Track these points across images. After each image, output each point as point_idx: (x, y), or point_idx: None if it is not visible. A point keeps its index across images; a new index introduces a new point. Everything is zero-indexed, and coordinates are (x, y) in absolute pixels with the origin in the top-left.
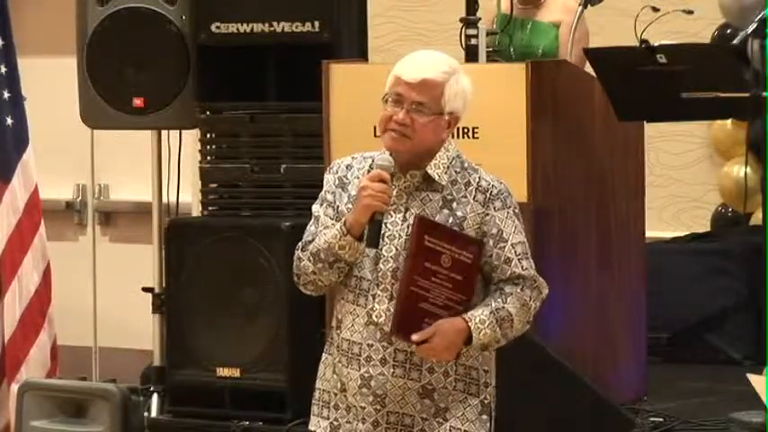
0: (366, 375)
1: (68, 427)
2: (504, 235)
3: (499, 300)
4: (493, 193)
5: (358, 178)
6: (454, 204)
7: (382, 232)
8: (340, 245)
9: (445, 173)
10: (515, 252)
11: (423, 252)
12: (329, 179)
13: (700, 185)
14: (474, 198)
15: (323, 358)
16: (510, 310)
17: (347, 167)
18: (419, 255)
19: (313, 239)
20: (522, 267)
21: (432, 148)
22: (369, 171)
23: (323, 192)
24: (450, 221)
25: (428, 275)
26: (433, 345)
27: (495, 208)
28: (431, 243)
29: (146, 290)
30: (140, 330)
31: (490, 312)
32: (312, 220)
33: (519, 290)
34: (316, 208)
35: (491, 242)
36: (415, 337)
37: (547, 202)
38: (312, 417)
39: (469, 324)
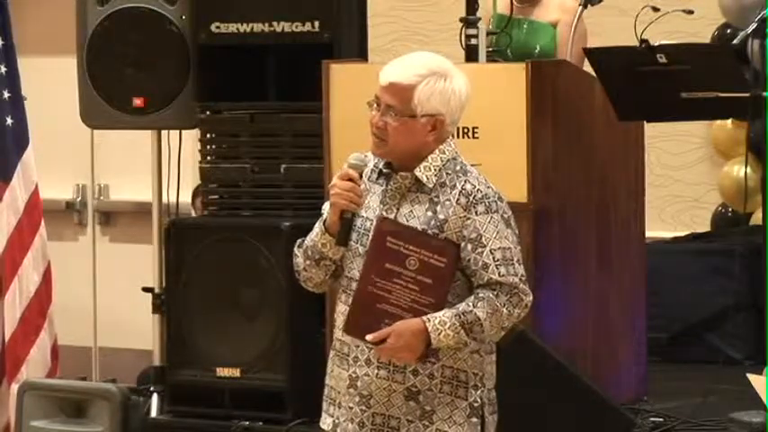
0: (353, 376)
1: (68, 427)
2: (483, 240)
3: (470, 303)
4: (477, 197)
5: (361, 177)
6: (438, 207)
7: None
8: (322, 242)
9: (435, 175)
10: (493, 258)
11: (383, 253)
12: None
13: (700, 185)
14: (457, 201)
15: (330, 355)
16: (478, 314)
17: None
18: (379, 255)
19: None
20: (498, 274)
21: (417, 150)
22: (372, 172)
23: None
24: (432, 224)
25: (389, 277)
26: (388, 345)
27: (476, 212)
28: (393, 244)
29: (146, 290)
30: (140, 330)
31: (454, 315)
32: (320, 218)
33: (493, 295)
34: (324, 206)
35: (469, 246)
36: (368, 336)
37: (547, 202)
38: (322, 412)
39: (427, 325)
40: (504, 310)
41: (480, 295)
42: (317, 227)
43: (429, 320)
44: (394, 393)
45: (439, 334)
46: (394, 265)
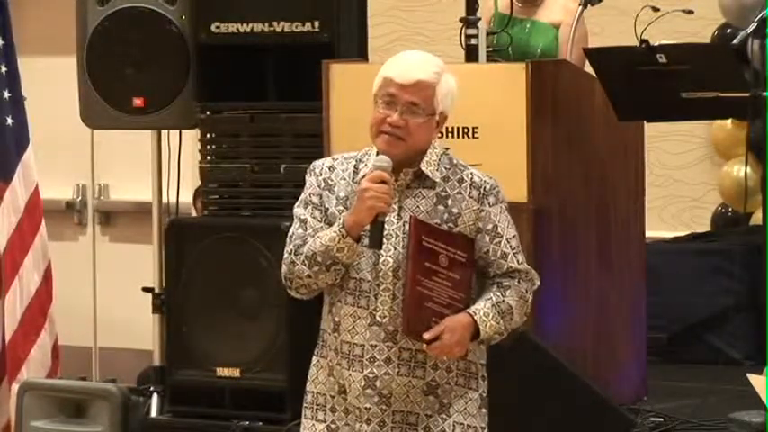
0: (370, 376)
1: (68, 427)
2: (500, 230)
3: (498, 293)
4: (486, 189)
5: (344, 180)
6: (449, 201)
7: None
8: (338, 247)
9: (437, 170)
10: (511, 246)
11: (422, 252)
12: (312, 182)
13: (700, 185)
14: (469, 195)
15: (314, 361)
16: (510, 302)
17: (329, 169)
18: (419, 255)
19: (304, 243)
20: (517, 262)
21: (427, 147)
22: (353, 172)
23: (305, 194)
24: (445, 218)
25: (429, 275)
26: (444, 341)
27: (489, 204)
28: (428, 243)
29: (146, 290)
30: (140, 330)
31: (492, 305)
32: (298, 223)
33: (516, 283)
34: (300, 211)
35: (487, 238)
36: (426, 335)
37: (547, 202)
38: (305, 420)
39: (475, 318)
40: (528, 296)
41: (505, 284)
42: (333, 231)
43: (475, 313)
44: (413, 389)
45: (486, 325)
46: (431, 264)
